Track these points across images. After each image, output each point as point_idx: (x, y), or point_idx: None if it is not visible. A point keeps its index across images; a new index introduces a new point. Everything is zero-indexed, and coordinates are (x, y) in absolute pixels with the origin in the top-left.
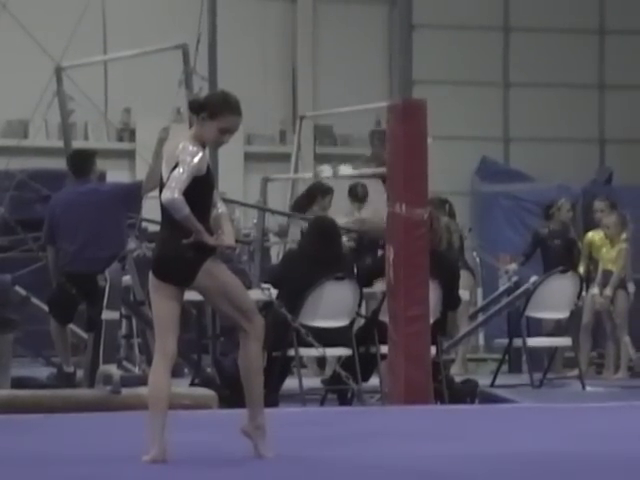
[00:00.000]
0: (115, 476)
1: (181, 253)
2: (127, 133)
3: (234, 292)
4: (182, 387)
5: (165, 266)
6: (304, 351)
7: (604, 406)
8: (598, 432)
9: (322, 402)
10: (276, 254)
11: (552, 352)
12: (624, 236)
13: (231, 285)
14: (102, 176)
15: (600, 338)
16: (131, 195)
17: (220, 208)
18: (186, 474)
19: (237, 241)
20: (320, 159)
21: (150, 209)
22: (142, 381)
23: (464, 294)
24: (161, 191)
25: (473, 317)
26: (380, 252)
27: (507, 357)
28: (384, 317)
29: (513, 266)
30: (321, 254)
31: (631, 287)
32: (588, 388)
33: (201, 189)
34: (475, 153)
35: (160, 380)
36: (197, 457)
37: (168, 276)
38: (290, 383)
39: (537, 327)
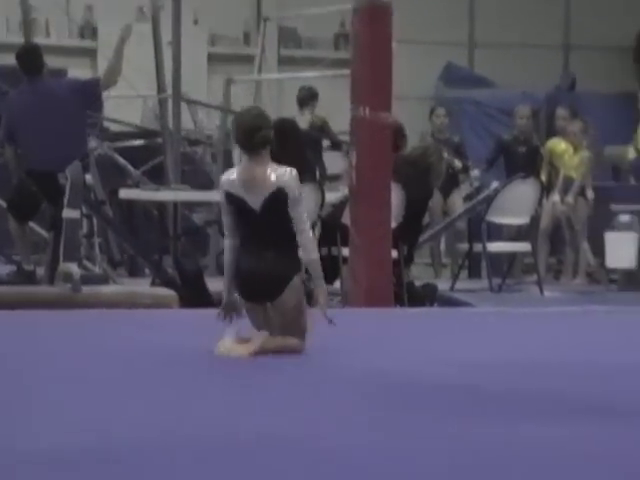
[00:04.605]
0: (74, 371)
1: None
2: (89, 31)
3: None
4: (143, 287)
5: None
6: None
7: (561, 311)
8: (555, 337)
9: None
10: (238, 156)
11: (511, 258)
12: (586, 143)
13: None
14: (63, 73)
15: (559, 244)
16: (89, 91)
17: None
18: (148, 370)
19: (199, 142)
20: (284, 61)
21: (111, 108)
22: (102, 280)
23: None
24: None
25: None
26: None
27: (467, 262)
28: (346, 220)
29: (475, 172)
30: (282, 156)
31: (590, 194)
32: (546, 293)
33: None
34: (440, 58)
35: None
36: (158, 355)
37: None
38: None
39: (498, 233)
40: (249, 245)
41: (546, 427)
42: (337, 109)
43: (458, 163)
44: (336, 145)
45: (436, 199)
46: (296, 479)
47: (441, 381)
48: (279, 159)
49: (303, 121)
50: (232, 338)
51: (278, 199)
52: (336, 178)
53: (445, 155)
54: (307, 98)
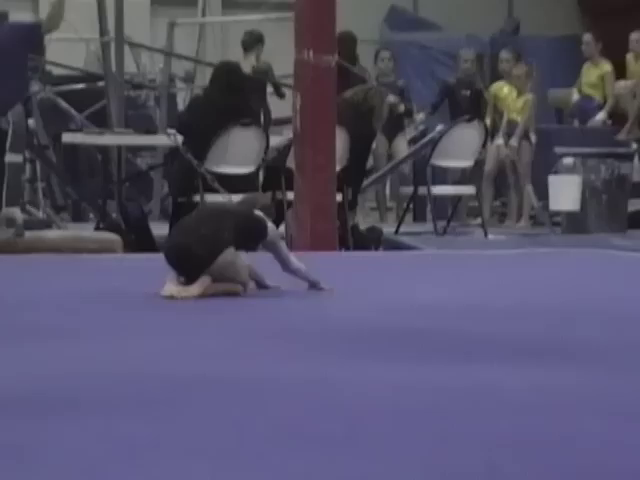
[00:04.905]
0: (15, 317)
1: None
2: None
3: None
4: (87, 231)
5: None
6: (210, 197)
7: (505, 253)
8: (498, 279)
9: None
10: (182, 100)
11: (456, 201)
12: (530, 86)
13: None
14: (4, 16)
15: (503, 188)
16: (31, 35)
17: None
18: (92, 313)
19: (143, 86)
20: (228, 4)
21: (54, 51)
22: (46, 225)
23: None
24: None
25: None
26: None
27: (412, 205)
28: (291, 164)
29: (420, 116)
30: (226, 100)
31: (533, 137)
32: (490, 236)
33: None
34: (384, 1)
35: None
36: (102, 299)
37: None
38: None
39: (442, 176)
40: (191, 219)
41: (497, 370)
42: (282, 52)
43: (401, 106)
44: (278, 91)
45: (381, 143)
46: (233, 419)
47: (389, 325)
48: (221, 102)
49: (247, 65)
50: (176, 281)
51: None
52: (280, 122)
53: (391, 98)
54: (252, 42)
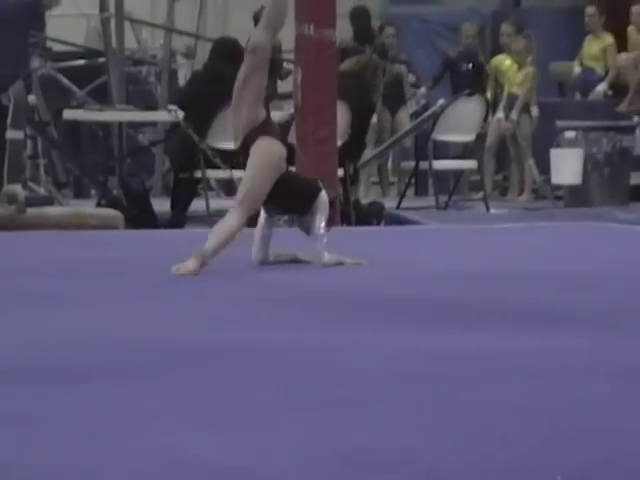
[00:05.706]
0: (20, 289)
1: None
2: None
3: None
4: (89, 208)
5: None
6: (211, 173)
7: (507, 227)
8: (501, 250)
9: None
10: (183, 76)
11: (458, 175)
12: (530, 59)
13: None
14: None
15: (505, 161)
16: (32, 11)
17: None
18: (95, 286)
19: (143, 62)
20: None
21: (54, 28)
22: (47, 201)
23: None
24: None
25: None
26: None
27: (414, 180)
28: (292, 139)
29: (422, 89)
30: (226, 75)
31: (535, 111)
32: (492, 210)
33: None
34: None
35: None
36: (105, 273)
37: None
38: (197, 205)
39: (444, 150)
40: None
41: (501, 336)
42: (285, 27)
43: (411, 77)
44: (280, 74)
45: (384, 116)
46: (239, 386)
47: (394, 294)
48: (220, 77)
49: None
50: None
51: None
52: (281, 97)
53: (397, 67)
54: None
